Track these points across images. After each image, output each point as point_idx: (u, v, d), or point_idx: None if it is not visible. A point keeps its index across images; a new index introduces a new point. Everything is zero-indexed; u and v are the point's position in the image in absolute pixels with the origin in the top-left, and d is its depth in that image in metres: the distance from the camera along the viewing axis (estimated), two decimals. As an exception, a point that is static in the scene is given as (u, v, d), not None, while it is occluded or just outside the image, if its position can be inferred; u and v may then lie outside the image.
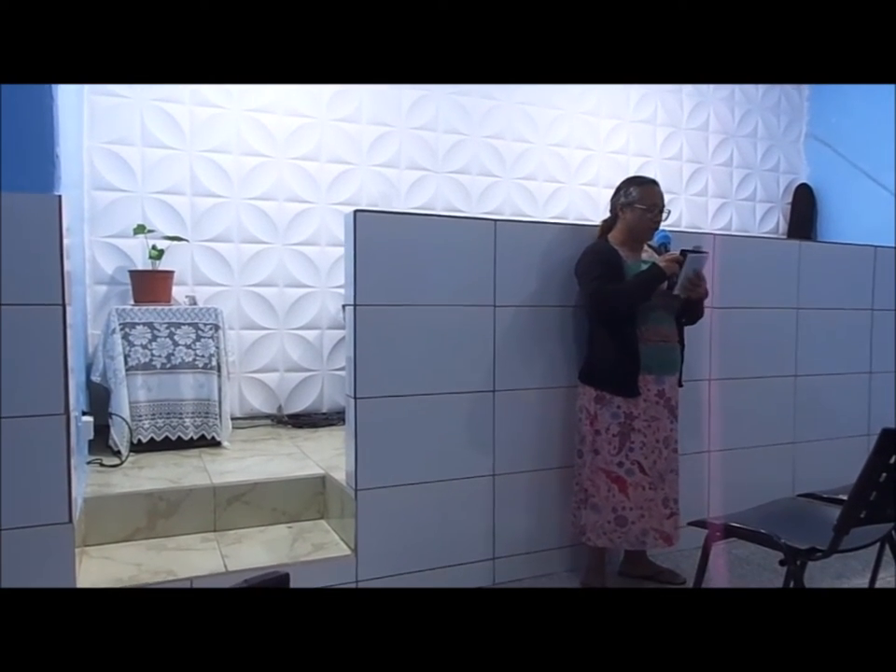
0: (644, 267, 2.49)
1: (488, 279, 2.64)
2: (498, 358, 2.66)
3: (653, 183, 2.58)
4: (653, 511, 2.52)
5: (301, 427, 4.02)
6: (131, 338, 3.33)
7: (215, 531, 2.73)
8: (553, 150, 4.85)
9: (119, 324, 3.30)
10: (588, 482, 2.55)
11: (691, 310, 2.61)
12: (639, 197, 2.51)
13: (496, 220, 2.71)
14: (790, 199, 5.66)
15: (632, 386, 2.48)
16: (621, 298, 2.46)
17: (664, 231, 2.56)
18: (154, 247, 3.66)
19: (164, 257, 3.68)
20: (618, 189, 2.60)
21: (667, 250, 2.53)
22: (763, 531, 1.85)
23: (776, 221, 5.68)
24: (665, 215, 2.55)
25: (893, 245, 3.77)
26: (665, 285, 2.46)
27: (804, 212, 5.58)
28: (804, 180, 5.67)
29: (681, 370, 2.62)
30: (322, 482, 2.92)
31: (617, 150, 5.05)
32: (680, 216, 5.19)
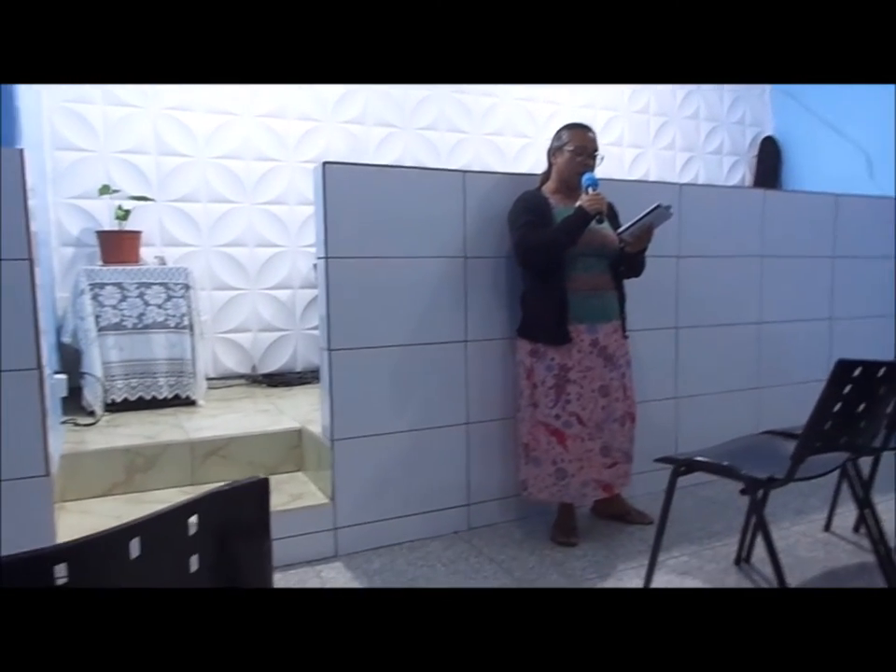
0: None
1: (458, 231, 2.66)
2: (469, 309, 2.70)
3: (584, 127, 2.55)
4: (592, 461, 2.53)
5: (275, 385, 4.04)
6: (101, 298, 3.30)
7: (192, 485, 2.76)
8: (520, 105, 4.83)
9: (89, 284, 3.27)
10: (528, 435, 2.57)
11: (630, 261, 2.55)
12: (568, 140, 2.51)
13: (465, 172, 2.72)
14: (756, 151, 5.72)
15: (562, 335, 2.46)
16: (544, 245, 2.42)
17: (591, 175, 2.44)
18: (120, 208, 3.61)
19: (131, 217, 3.64)
20: (552, 138, 2.60)
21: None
22: (724, 463, 1.93)
23: (742, 174, 5.75)
24: (598, 160, 2.52)
25: (855, 193, 3.85)
26: (595, 221, 2.37)
27: (769, 164, 5.64)
28: (769, 133, 5.73)
29: (623, 318, 2.61)
30: (298, 435, 2.95)
31: (585, 104, 5.02)
32: (648, 170, 5.22)
